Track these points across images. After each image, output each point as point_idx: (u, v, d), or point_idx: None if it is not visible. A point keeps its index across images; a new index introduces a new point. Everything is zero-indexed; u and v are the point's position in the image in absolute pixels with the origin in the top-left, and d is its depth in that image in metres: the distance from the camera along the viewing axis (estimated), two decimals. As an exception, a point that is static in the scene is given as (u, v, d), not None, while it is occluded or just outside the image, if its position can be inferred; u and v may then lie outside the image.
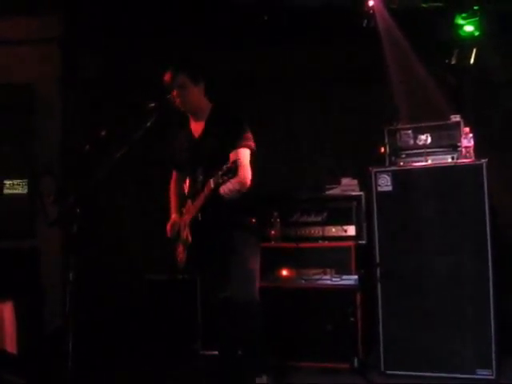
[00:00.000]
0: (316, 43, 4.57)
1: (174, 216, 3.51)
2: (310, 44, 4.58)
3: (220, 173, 2.98)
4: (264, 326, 3.30)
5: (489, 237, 3.61)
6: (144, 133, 3.22)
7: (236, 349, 3.33)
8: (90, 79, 5.05)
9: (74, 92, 5.11)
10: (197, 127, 3.44)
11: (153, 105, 3.29)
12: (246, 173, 3.21)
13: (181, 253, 3.37)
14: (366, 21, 4.30)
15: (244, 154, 3.26)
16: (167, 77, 3.34)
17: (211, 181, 3.04)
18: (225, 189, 3.06)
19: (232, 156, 3.20)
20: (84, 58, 5.09)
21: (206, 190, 3.10)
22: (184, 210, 3.42)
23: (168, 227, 3.48)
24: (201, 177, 3.25)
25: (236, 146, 3.24)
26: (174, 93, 3.32)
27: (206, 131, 3.38)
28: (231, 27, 4.62)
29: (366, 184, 4.04)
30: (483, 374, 3.57)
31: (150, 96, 3.33)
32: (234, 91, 4.50)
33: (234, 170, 2.96)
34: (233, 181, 3.04)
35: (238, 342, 3.31)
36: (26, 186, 4.93)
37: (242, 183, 3.16)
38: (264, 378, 3.26)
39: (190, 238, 3.27)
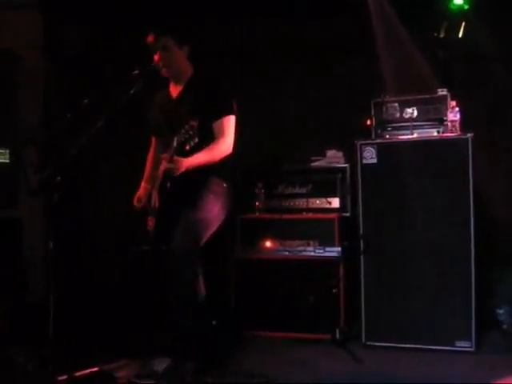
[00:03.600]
0: (303, 14, 4.50)
1: (142, 185, 3.47)
2: (297, 15, 4.51)
3: (183, 130, 2.98)
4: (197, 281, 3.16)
5: (472, 211, 3.63)
6: (128, 100, 3.19)
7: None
8: (73, 47, 4.96)
9: (57, 60, 5.02)
10: (176, 89, 3.40)
11: (137, 72, 3.25)
12: (228, 141, 3.23)
13: (150, 220, 3.31)
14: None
15: (228, 123, 3.26)
16: (151, 38, 3.29)
17: (175, 140, 3.02)
18: (207, 156, 3.08)
19: (216, 127, 3.22)
20: (67, 25, 4.98)
21: (170, 151, 3.05)
22: (154, 178, 3.37)
23: (135, 198, 3.42)
24: (175, 142, 3.17)
25: (218, 113, 3.24)
26: (157, 55, 3.28)
27: (184, 91, 3.35)
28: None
29: (351, 156, 4.03)
30: (462, 345, 3.63)
31: (134, 64, 3.29)
32: (217, 62, 4.44)
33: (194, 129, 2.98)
34: (214, 147, 3.10)
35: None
36: (8, 156, 4.84)
37: (221, 154, 3.18)
38: (188, 365, 3.13)
39: (156, 204, 3.23)
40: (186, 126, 3.02)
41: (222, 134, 3.24)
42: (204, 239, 3.19)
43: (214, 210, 3.24)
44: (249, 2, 4.52)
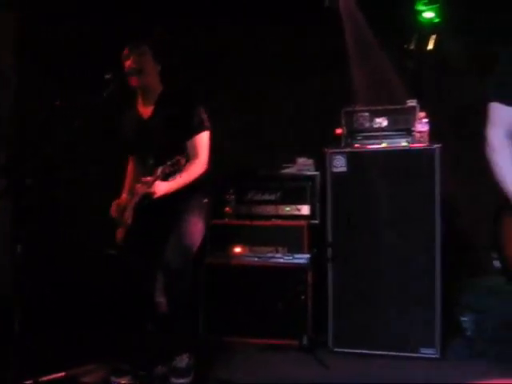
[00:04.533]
0: (275, 22, 4.54)
1: (123, 196, 3.46)
2: (269, 22, 4.55)
3: (169, 163, 3.01)
4: (194, 291, 3.33)
5: (438, 221, 3.69)
6: (100, 104, 3.19)
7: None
8: (46, 48, 4.92)
9: (31, 60, 4.96)
10: (146, 110, 3.39)
11: (109, 76, 3.25)
12: (203, 161, 3.28)
13: (120, 233, 3.34)
14: (327, 0, 4.28)
15: (201, 140, 3.30)
16: (129, 47, 3.30)
17: (159, 170, 3.04)
18: (184, 179, 3.14)
19: (189, 147, 3.27)
20: (40, 25, 4.94)
21: (154, 178, 3.08)
22: (133, 192, 3.34)
23: (113, 206, 3.40)
24: (151, 161, 3.25)
25: (191, 130, 3.28)
26: (130, 61, 3.26)
27: (155, 113, 3.35)
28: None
29: (322, 165, 4.07)
30: (427, 352, 3.69)
31: (108, 67, 3.28)
32: (191, 69, 4.46)
33: (180, 161, 3.03)
34: (189, 169, 3.15)
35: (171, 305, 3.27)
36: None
37: (197, 174, 3.25)
38: (185, 357, 3.21)
39: (129, 221, 3.25)
40: (174, 160, 3.03)
41: (195, 153, 3.28)
42: (194, 254, 3.28)
43: (198, 227, 3.30)
44: (226, 12, 4.54)
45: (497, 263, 2.23)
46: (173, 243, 3.20)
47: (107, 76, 3.23)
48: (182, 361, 3.21)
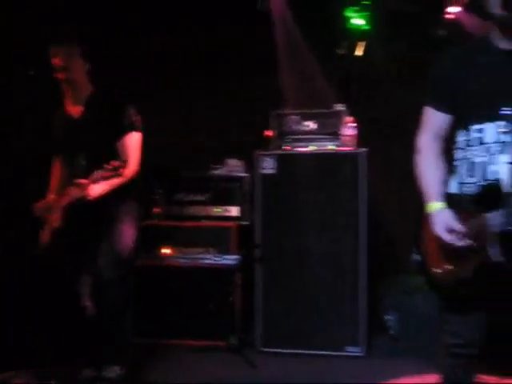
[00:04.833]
0: (204, 23, 4.54)
1: (50, 196, 3.36)
2: (198, 23, 4.55)
3: (108, 167, 2.96)
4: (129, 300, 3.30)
5: (364, 222, 3.79)
6: (26, 101, 3.12)
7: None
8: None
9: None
10: (75, 109, 3.31)
11: (32, 72, 3.18)
12: (134, 163, 3.23)
13: (45, 234, 3.24)
14: (260, 1, 4.30)
15: (131, 141, 3.25)
16: (56, 45, 3.21)
17: (98, 173, 2.98)
18: (116, 181, 3.09)
19: (120, 147, 3.22)
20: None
21: (90, 181, 3.02)
22: (63, 193, 3.23)
23: (38, 205, 3.30)
24: (83, 162, 3.19)
25: (122, 131, 3.23)
26: (57, 58, 3.20)
27: (86, 113, 3.28)
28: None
29: (252, 166, 4.09)
30: (352, 351, 3.78)
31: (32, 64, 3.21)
32: (123, 70, 4.39)
33: (119, 168, 2.98)
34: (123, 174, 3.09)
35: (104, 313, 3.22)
36: None
37: (128, 176, 3.19)
38: (116, 368, 3.20)
39: (57, 223, 3.16)
40: (115, 166, 2.97)
41: (126, 155, 3.21)
42: (127, 260, 3.25)
43: (130, 232, 3.27)
44: (226, 12, 4.49)
45: (416, 257, 2.31)
46: (105, 250, 3.17)
47: (30, 72, 3.17)
48: (113, 371, 3.18)
